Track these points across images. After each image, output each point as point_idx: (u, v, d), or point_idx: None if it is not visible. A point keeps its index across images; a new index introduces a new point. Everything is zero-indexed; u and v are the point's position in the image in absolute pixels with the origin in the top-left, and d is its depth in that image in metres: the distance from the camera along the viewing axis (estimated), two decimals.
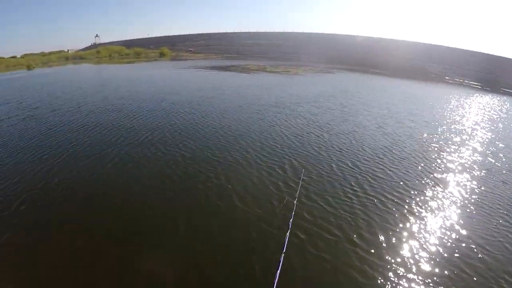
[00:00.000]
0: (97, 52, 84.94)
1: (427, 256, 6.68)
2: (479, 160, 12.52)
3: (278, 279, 3.80)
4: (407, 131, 15.71)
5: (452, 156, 12.63)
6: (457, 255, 6.76)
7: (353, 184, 9.66)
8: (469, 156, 12.89)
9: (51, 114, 18.89)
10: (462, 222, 8.00)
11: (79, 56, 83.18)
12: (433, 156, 12.48)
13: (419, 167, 11.28)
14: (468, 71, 48.16)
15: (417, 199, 9.03)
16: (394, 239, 7.18)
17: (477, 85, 40.99)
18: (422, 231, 7.56)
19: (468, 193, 9.59)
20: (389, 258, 6.54)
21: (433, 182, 10.16)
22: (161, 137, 13.89)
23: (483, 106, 25.74)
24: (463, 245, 7.11)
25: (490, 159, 12.79)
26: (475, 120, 19.71)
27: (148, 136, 13.94)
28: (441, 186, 9.92)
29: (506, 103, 29.37)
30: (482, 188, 10.00)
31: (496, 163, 12.36)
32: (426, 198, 9.12)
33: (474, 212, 8.54)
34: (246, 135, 14.00)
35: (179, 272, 6.16)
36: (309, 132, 14.70)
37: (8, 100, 24.62)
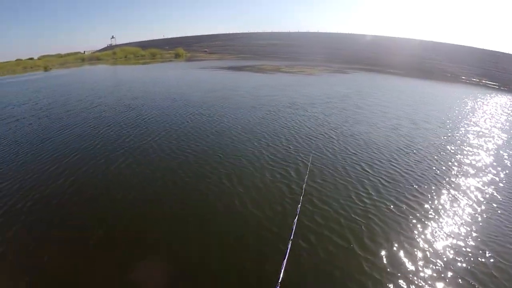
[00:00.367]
0: (113, 53, 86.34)
1: (441, 264, 6.52)
2: (496, 163, 12.19)
3: (285, 265, 3.88)
4: (422, 133, 15.50)
5: (469, 159, 12.39)
6: (473, 264, 6.57)
7: (366, 187, 9.61)
8: (487, 159, 12.58)
9: (65, 115, 19.67)
10: (479, 230, 7.79)
11: (95, 57, 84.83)
12: (450, 159, 12.27)
13: (435, 171, 11.10)
14: (485, 70, 47.07)
15: (432, 204, 8.87)
16: (406, 246, 7.05)
17: (494, 85, 40.03)
18: (436, 238, 7.41)
19: (486, 199, 9.33)
20: (400, 266, 6.45)
21: (449, 187, 9.95)
22: (173, 137, 14.24)
23: (501, 107, 25.06)
24: (480, 252, 6.93)
25: (508, 163, 12.45)
26: (492, 122, 19.19)
27: (161, 137, 14.33)
28: (458, 191, 9.72)
29: None
30: (501, 194, 9.71)
31: None
32: (441, 203, 8.95)
33: (491, 219, 8.31)
34: (259, 136, 14.13)
35: (184, 274, 6.27)
36: (322, 133, 14.71)
37: (24, 101, 25.63)
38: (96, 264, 6.58)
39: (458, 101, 25.60)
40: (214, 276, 6.23)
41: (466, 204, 9.01)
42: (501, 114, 21.66)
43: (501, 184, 10.41)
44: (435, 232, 7.63)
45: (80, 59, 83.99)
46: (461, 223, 8.04)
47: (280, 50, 75.27)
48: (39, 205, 8.95)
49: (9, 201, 9.15)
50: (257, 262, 6.52)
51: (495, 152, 13.58)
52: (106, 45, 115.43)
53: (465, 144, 14.29)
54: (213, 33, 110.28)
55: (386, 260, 6.57)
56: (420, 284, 5.99)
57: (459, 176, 10.86)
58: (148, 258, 6.66)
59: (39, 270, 6.52)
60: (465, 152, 13.19)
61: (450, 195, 9.43)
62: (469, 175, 10.98)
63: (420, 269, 6.37)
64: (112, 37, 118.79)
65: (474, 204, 9.00)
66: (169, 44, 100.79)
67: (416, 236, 7.43)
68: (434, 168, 11.33)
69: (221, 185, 9.73)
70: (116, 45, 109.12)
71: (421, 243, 7.17)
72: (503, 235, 7.63)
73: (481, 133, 16.38)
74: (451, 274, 6.29)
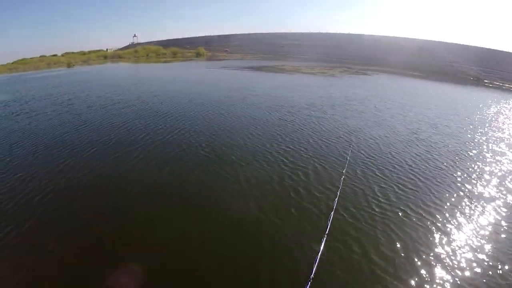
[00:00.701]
0: (135, 52, 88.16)
1: (458, 276, 6.32)
2: None
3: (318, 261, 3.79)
4: (443, 138, 15.14)
5: (490, 167, 11.96)
6: (492, 278, 6.31)
7: (382, 193, 9.47)
8: (509, 167, 12.12)
9: (85, 110, 20.59)
10: (500, 242, 7.47)
11: (117, 55, 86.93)
12: (470, 166, 11.91)
13: (455, 178, 10.78)
14: (509, 74, 45.68)
15: (451, 214, 8.53)
16: (422, 258, 6.79)
17: None
18: (454, 248, 7.13)
19: (508, 209, 8.92)
20: (414, 275, 6.32)
21: (469, 195, 9.60)
22: (189, 136, 14.51)
23: None
24: (499, 265, 6.64)
25: None
26: None
27: (174, 135, 14.68)
28: (478, 200, 9.35)
29: None
30: None
31: None
32: (460, 214, 8.58)
33: None
34: (274, 138, 14.19)
35: (193, 275, 6.32)
36: (339, 136, 14.68)
37: (45, 96, 26.98)
38: (101, 259, 6.73)
39: (480, 105, 24.87)
40: (223, 278, 6.29)
41: (486, 214, 8.67)
42: None
43: None
44: (453, 242, 7.38)
45: (103, 56, 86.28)
46: (481, 234, 7.72)
47: (300, 50, 74.85)
48: (54, 197, 9.32)
49: (25, 192, 9.59)
50: (270, 265, 6.56)
51: None
52: (128, 43, 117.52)
53: (486, 150, 13.85)
54: (234, 33, 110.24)
55: (399, 269, 6.43)
56: None
57: (479, 184, 10.49)
58: (157, 257, 6.72)
59: (47, 261, 6.79)
60: (486, 159, 12.79)
61: (469, 204, 9.11)
62: (489, 183, 10.60)
63: (437, 280, 6.23)
64: (134, 35, 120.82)
65: (495, 214, 8.67)
66: (190, 43, 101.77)
67: (433, 245, 7.24)
68: (454, 175, 11.02)
69: (237, 186, 9.75)
70: (138, 44, 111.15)
71: (438, 253, 6.98)
72: None
73: (503, 139, 15.79)
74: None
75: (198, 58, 76.01)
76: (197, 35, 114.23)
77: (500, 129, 17.77)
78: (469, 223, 8.21)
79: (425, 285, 6.07)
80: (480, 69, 49.36)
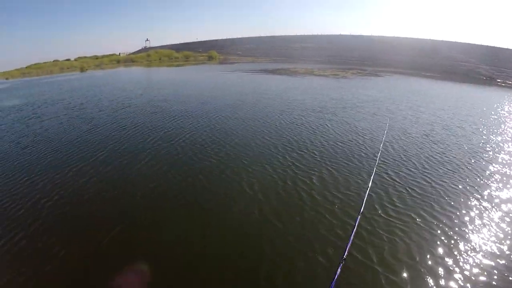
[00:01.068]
0: (148, 56, 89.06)
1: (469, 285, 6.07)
2: None
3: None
4: (456, 140, 14.92)
5: (506, 170, 11.60)
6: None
7: (392, 198, 9.26)
8: None
9: (97, 115, 21.02)
10: None
11: (130, 59, 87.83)
12: (484, 170, 11.60)
13: (468, 182, 10.43)
14: None
15: (465, 220, 8.19)
16: (430, 263, 6.62)
17: None
18: (466, 256, 6.83)
19: None
20: (423, 284, 6.13)
21: (482, 201, 9.22)
22: (198, 141, 14.52)
23: None
24: None
25: None
26: None
27: (186, 140, 14.74)
28: (492, 205, 8.99)
29: None
30: None
31: None
32: (476, 220, 8.20)
33: None
34: (285, 143, 14.13)
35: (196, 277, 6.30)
36: (351, 139, 14.62)
37: (57, 101, 27.75)
38: (105, 263, 6.74)
39: (494, 105, 24.33)
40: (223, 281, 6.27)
41: (501, 220, 8.29)
42: None
43: None
44: (466, 250, 7.07)
45: (116, 60, 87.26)
46: (495, 241, 7.38)
47: (313, 53, 74.76)
48: (62, 202, 9.38)
49: (31, 196, 9.73)
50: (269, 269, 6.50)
51: None
52: (141, 47, 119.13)
53: (501, 152, 13.53)
54: (247, 36, 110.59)
55: (407, 279, 6.21)
56: None
57: (494, 188, 10.15)
58: (161, 260, 6.69)
59: (50, 264, 6.77)
60: (501, 162, 12.48)
61: (483, 210, 8.76)
62: (504, 188, 10.23)
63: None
64: (147, 39, 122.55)
65: (510, 221, 8.31)
66: (203, 46, 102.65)
67: (444, 253, 6.97)
68: (467, 179, 10.70)
69: (242, 191, 9.64)
70: (151, 48, 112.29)
71: (449, 261, 6.70)
72: None
73: None
74: None
75: (211, 62, 76.59)
76: (209, 39, 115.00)
77: None
78: (487, 228, 7.90)
79: None
80: (492, 68, 48.40)
